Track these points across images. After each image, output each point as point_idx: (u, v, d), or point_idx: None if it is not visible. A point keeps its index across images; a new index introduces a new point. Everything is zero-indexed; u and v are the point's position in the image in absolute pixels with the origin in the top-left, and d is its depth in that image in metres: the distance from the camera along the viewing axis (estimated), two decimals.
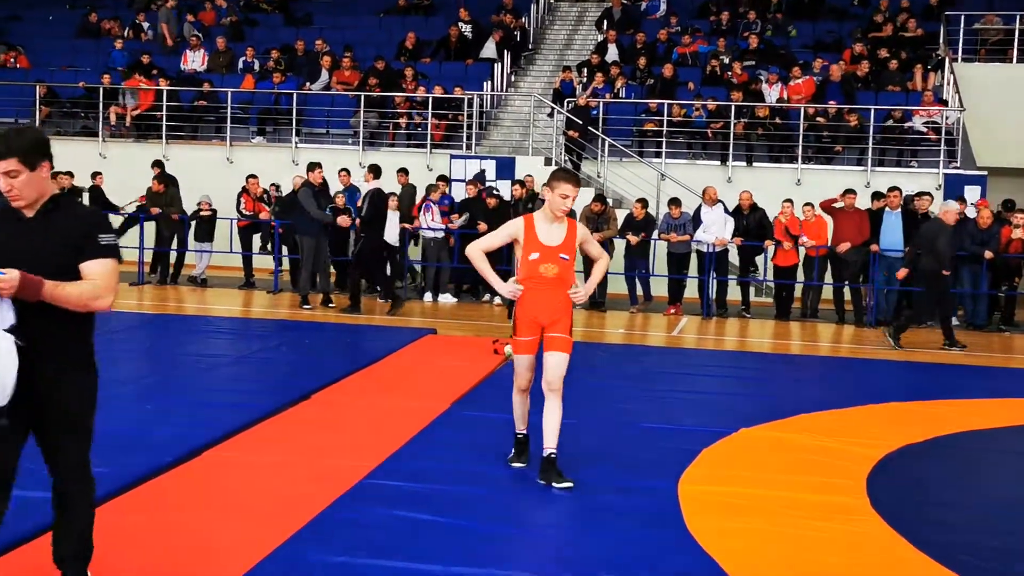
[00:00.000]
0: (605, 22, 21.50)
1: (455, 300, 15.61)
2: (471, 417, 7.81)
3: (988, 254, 14.24)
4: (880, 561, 5.07)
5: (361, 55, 20.45)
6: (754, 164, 17.78)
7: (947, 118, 17.78)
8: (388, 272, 15.01)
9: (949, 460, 7.07)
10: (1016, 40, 20.04)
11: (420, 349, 10.79)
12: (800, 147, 17.54)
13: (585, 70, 19.72)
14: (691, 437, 7.33)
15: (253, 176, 16.56)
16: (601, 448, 7.04)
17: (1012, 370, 11.44)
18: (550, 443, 6.15)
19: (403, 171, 16.48)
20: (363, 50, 20.74)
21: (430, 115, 18.61)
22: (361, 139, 18.84)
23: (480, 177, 16.76)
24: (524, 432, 6.57)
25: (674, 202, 15.31)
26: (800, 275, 15.18)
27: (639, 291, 15.34)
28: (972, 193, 16.46)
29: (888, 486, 6.35)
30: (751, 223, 15.16)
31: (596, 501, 5.86)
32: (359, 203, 14.25)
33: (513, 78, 20.97)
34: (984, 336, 14.00)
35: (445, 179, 16.65)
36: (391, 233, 15.19)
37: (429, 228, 15.61)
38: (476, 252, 6.38)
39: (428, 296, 15.64)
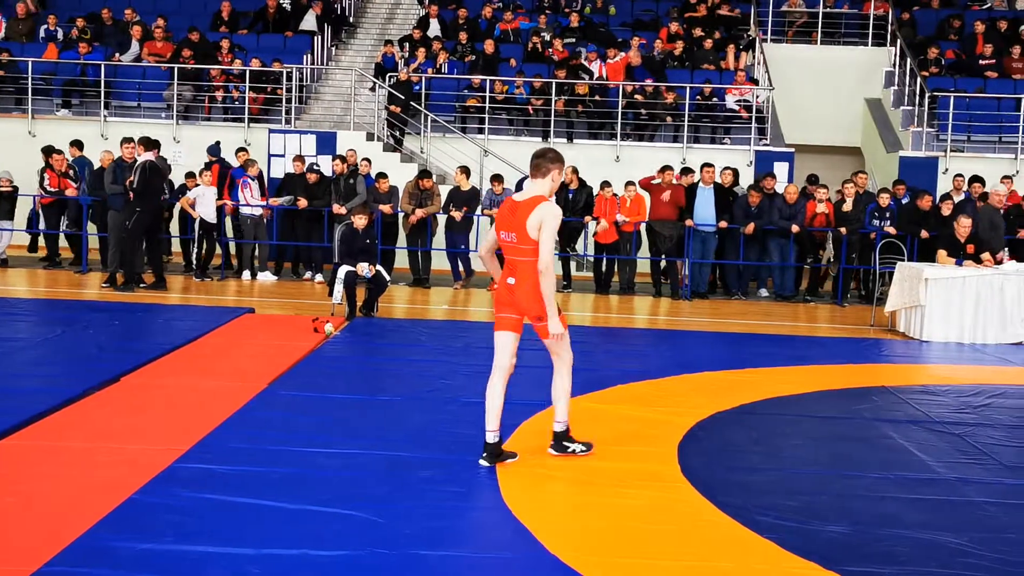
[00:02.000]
0: None
1: (275, 278, 15.29)
2: (289, 397, 7.67)
3: (795, 228, 14.86)
4: (687, 525, 5.23)
5: (174, 25, 19.75)
6: (575, 141, 18.04)
7: (758, 97, 18.44)
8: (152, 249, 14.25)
9: (754, 426, 7.35)
10: (820, 22, 20.97)
11: (237, 328, 10.52)
12: (619, 124, 17.91)
13: (407, 45, 19.59)
14: (512, 410, 7.35)
15: (58, 151, 15.78)
16: (422, 424, 7.03)
17: (815, 339, 11.99)
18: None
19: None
20: (176, 20, 20.05)
21: (247, 89, 18.13)
22: (175, 113, 18.22)
23: (214, 150, 16.17)
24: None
25: (496, 178, 15.39)
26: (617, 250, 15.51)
27: (461, 267, 15.38)
28: (781, 169, 17.14)
29: (697, 453, 6.57)
30: (578, 200, 15.38)
31: (414, 477, 5.85)
32: (130, 177, 13.45)
33: (334, 51, 20.66)
34: (791, 306, 14.63)
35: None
36: (206, 210, 14.75)
37: (247, 205, 15.22)
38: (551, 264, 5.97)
39: (246, 274, 15.27)
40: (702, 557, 4.83)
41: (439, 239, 15.59)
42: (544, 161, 6.01)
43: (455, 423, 7.07)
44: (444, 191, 15.73)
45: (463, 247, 15.36)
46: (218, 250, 15.37)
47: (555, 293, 6.05)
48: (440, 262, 15.67)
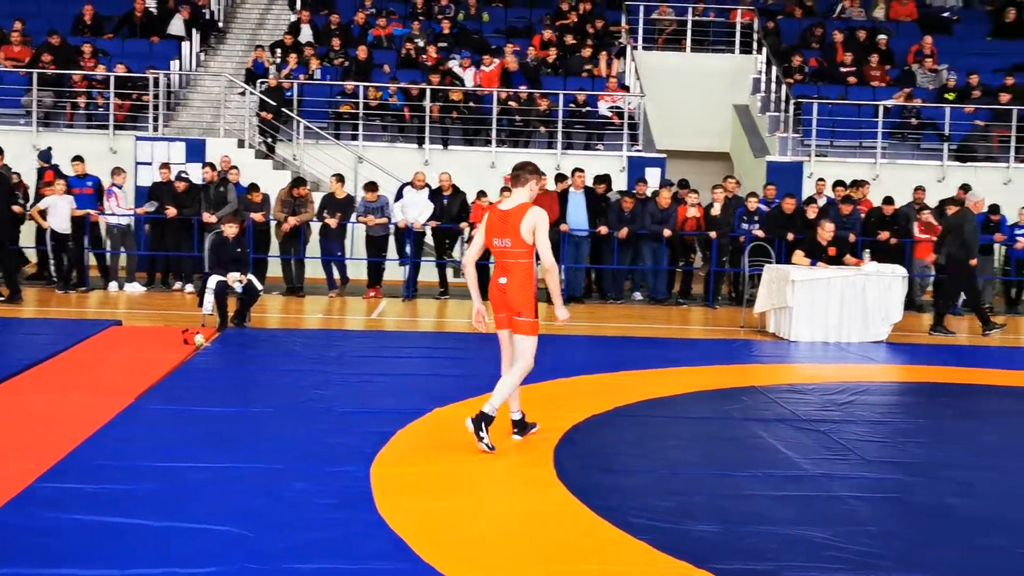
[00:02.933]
0: (298, 2, 21.14)
1: (143, 289, 14.87)
2: (157, 411, 7.46)
3: (667, 232, 15.12)
4: (563, 530, 5.25)
5: (32, 29, 19.05)
6: (450, 147, 18.03)
7: (629, 104, 18.72)
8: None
9: (629, 428, 7.43)
10: (689, 30, 21.42)
11: (102, 341, 10.19)
12: (494, 130, 17.96)
13: (279, 50, 19.29)
14: (386, 419, 7.34)
15: None
16: (296, 436, 6.90)
17: (688, 340, 12.21)
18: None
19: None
20: (35, 24, 19.33)
21: (112, 95, 17.60)
22: (35, 119, 17.58)
23: (45, 155, 15.60)
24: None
25: (370, 186, 15.25)
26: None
27: (336, 275, 15.20)
28: (653, 175, 17.43)
29: (573, 456, 6.61)
30: (452, 207, 15.36)
31: (287, 489, 5.73)
32: None
33: (203, 57, 20.20)
34: (664, 309, 14.87)
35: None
36: (58, 220, 14.22)
37: (113, 214, 14.77)
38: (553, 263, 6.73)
39: (113, 285, 14.81)
40: (577, 561, 4.85)
41: (313, 247, 15.39)
42: (524, 172, 6.68)
43: (329, 434, 6.96)
44: (317, 198, 15.54)
45: (338, 255, 15.19)
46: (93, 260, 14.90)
47: (531, 293, 6.72)
48: (315, 270, 15.45)
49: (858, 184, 16.55)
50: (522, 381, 6.95)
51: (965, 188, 16.15)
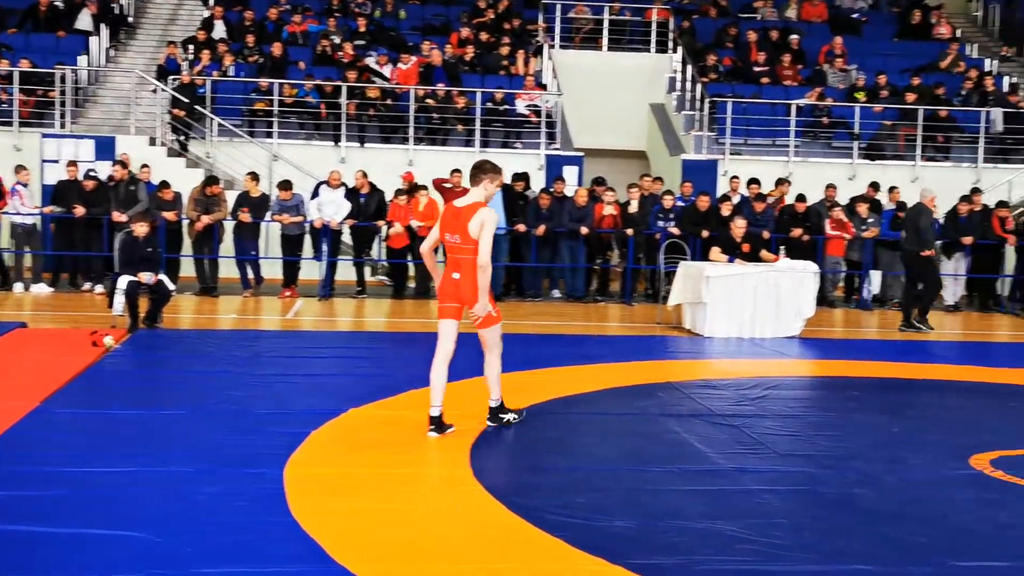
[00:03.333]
0: None
1: (51, 290, 14.50)
2: (64, 415, 7.28)
3: (584, 230, 15.20)
4: (479, 529, 5.24)
5: None
6: (366, 145, 17.91)
7: (547, 102, 18.78)
8: None
9: (545, 426, 7.44)
10: (605, 29, 21.56)
11: (6, 344, 9.91)
12: (411, 128, 17.88)
13: (191, 46, 18.97)
14: (301, 420, 7.25)
15: None
16: (208, 438, 6.79)
17: (605, 337, 12.30)
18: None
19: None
20: None
21: (16, 91, 17.13)
22: None
23: None
24: None
25: (284, 185, 15.07)
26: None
27: (251, 274, 14.99)
28: (570, 173, 17.51)
29: (489, 455, 6.61)
30: (370, 205, 15.25)
31: (198, 493, 5.63)
32: None
33: (112, 52, 19.78)
34: (582, 306, 14.96)
35: None
36: None
37: (18, 214, 14.38)
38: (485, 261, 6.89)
39: (19, 286, 14.42)
40: (494, 559, 4.84)
41: (227, 246, 15.16)
42: (479, 172, 6.96)
43: (242, 436, 6.86)
44: (232, 197, 15.31)
45: (253, 254, 14.98)
46: None
47: (487, 286, 6.96)
48: (229, 270, 15.22)
49: (780, 182, 16.81)
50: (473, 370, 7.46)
51: (873, 187, 16.53)
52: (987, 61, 22.00)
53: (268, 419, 7.33)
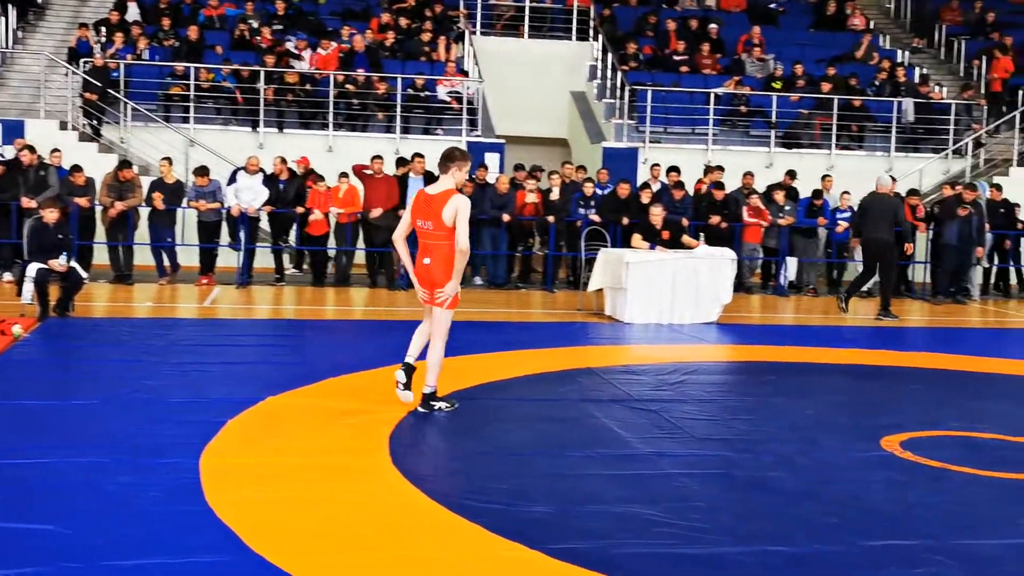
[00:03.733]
0: None
1: None
2: None
3: (506, 217, 15.20)
4: (397, 516, 5.21)
5: None
6: (285, 131, 17.69)
7: (468, 88, 18.73)
8: None
9: (465, 412, 7.43)
10: (527, 16, 21.56)
11: None
12: (331, 114, 17.71)
13: (104, 29, 18.54)
14: (217, 409, 7.14)
15: None
16: (121, 428, 6.65)
17: (526, 324, 12.32)
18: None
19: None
20: None
21: None
22: None
23: None
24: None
25: (200, 171, 14.81)
26: (333, 241, 15.34)
27: (167, 261, 14.73)
28: (492, 160, 17.51)
29: (409, 442, 6.58)
30: (289, 191, 15.07)
31: (111, 483, 5.51)
32: None
33: (20, 34, 19.24)
34: (504, 293, 14.97)
35: None
36: None
37: None
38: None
39: None
40: (411, 547, 4.82)
41: (142, 233, 14.87)
42: (447, 161, 7.15)
43: (157, 425, 6.74)
44: (147, 183, 15.01)
45: (169, 240, 14.72)
46: None
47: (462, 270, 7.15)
48: (144, 257, 14.93)
49: (712, 169, 16.94)
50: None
51: (790, 175, 16.80)
52: (899, 52, 22.47)
53: (184, 408, 7.22)
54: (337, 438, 6.61)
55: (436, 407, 7.36)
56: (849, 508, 5.52)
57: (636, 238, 13.09)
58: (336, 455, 6.23)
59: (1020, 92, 20.06)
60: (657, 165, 16.79)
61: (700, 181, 16.59)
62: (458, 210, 6.98)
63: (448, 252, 7.06)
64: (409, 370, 7.39)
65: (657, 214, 13.11)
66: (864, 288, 14.67)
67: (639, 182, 16.71)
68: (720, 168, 17.02)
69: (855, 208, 16.33)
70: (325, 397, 7.74)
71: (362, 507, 5.32)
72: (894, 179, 14.44)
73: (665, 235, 13.01)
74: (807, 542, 4.98)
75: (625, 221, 14.90)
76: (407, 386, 7.35)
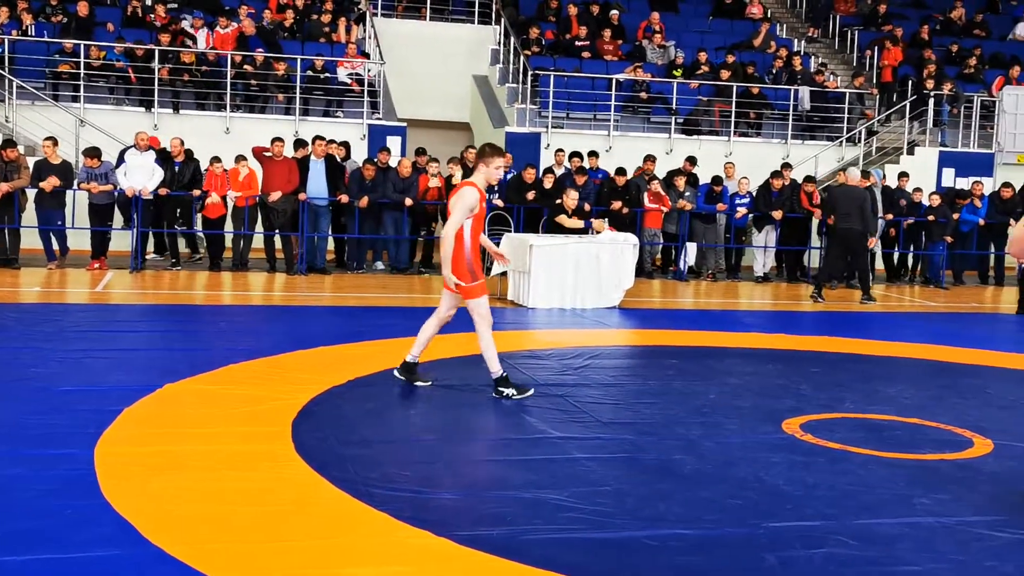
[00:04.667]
0: None
1: None
2: None
3: (408, 201, 15.08)
4: (301, 504, 5.10)
5: None
6: (181, 111, 17.26)
7: (369, 71, 18.51)
8: None
9: (370, 399, 7.34)
10: None
11: None
12: (228, 95, 17.33)
13: None
14: (112, 397, 6.92)
15: None
16: (12, 418, 6.39)
17: (430, 309, 12.17)
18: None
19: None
20: None
21: None
22: None
23: None
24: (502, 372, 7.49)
25: (90, 152, 14.35)
26: (230, 225, 15.03)
27: (56, 245, 14.25)
28: (394, 143, 17.35)
29: (312, 429, 6.45)
30: (185, 173, 14.71)
31: (0, 476, 5.29)
32: None
33: None
34: (407, 278, 14.86)
35: None
36: None
37: None
38: (455, 234, 7.19)
39: None
40: (316, 535, 4.72)
41: (30, 216, 14.36)
42: (477, 157, 7.34)
43: (48, 414, 6.49)
44: (34, 164, 14.50)
45: (59, 223, 14.24)
46: None
47: (462, 261, 7.27)
48: (32, 241, 14.43)
49: (651, 159, 17.03)
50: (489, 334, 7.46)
51: (690, 161, 16.98)
52: (795, 41, 22.91)
53: (76, 397, 6.98)
54: (238, 425, 6.45)
55: (506, 393, 7.40)
56: (752, 490, 5.58)
57: (563, 217, 13.30)
58: (237, 443, 6.08)
59: (910, 81, 20.64)
60: (562, 150, 16.82)
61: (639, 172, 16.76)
62: (457, 199, 7.21)
63: (459, 242, 7.25)
64: (406, 367, 7.78)
65: (572, 199, 13.24)
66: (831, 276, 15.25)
67: (542, 167, 16.73)
68: (652, 159, 17.07)
69: (753, 193, 16.64)
70: (226, 383, 7.56)
71: (265, 496, 5.20)
72: (867, 174, 15.10)
73: (576, 220, 13.15)
74: (712, 525, 5.02)
75: (531, 196, 15.00)
76: (409, 380, 7.75)
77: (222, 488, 5.27)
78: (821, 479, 5.84)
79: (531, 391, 7.52)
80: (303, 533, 4.74)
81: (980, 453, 6.55)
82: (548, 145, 18.47)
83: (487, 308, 7.45)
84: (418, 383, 7.76)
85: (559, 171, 16.15)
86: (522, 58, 19.53)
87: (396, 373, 7.85)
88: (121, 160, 14.53)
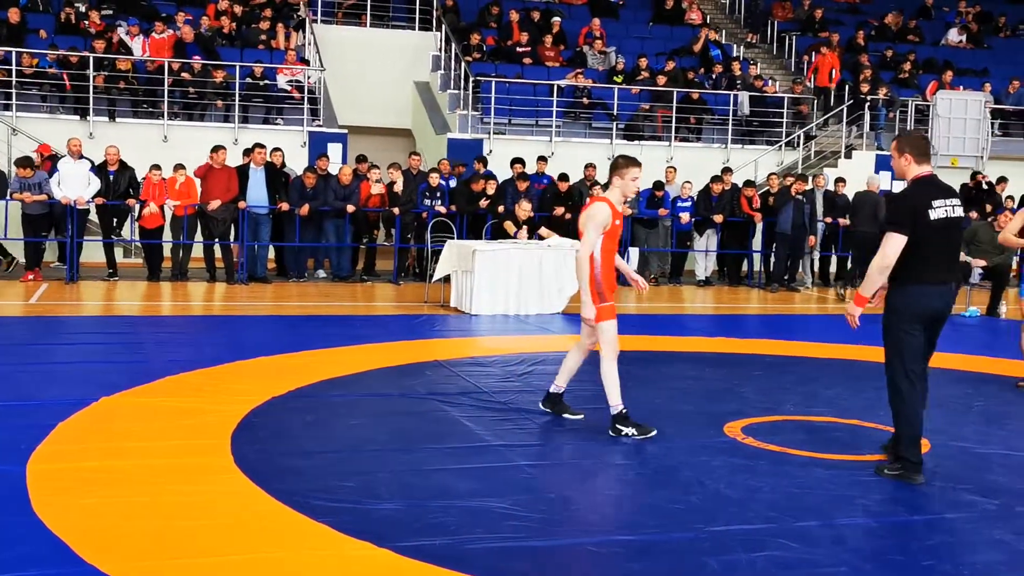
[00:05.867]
0: None
1: None
2: None
3: (350, 208, 14.97)
4: (240, 518, 5.02)
5: None
6: (117, 119, 17.00)
7: (309, 78, 18.37)
8: None
9: (310, 409, 7.25)
10: (369, 5, 21.29)
11: None
12: (166, 103, 17.09)
13: None
14: (46, 412, 6.78)
15: None
16: None
17: (372, 317, 12.16)
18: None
19: None
20: None
21: None
22: None
23: None
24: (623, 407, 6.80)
25: (22, 162, 14.03)
26: (169, 234, 14.82)
27: None
28: (335, 150, 17.22)
29: (251, 441, 6.36)
30: (120, 182, 14.47)
31: None
32: None
33: None
34: (349, 286, 14.75)
35: None
36: None
37: None
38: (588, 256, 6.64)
39: None
40: (255, 549, 4.65)
41: None
42: (611, 170, 6.78)
43: None
44: None
45: None
46: None
47: (590, 282, 6.65)
48: None
49: (592, 166, 17.05)
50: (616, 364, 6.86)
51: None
52: (734, 47, 23.12)
53: (8, 412, 6.82)
54: (176, 438, 6.35)
55: (624, 432, 6.70)
56: (695, 495, 5.60)
57: (509, 224, 13.39)
58: (175, 456, 5.98)
59: (847, 87, 20.93)
60: (522, 161, 16.81)
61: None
62: (588, 219, 6.63)
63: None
64: (551, 398, 7.28)
65: (525, 209, 13.34)
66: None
67: (483, 173, 16.68)
68: (521, 161, 17.06)
69: (695, 198, 16.76)
70: (164, 396, 7.44)
71: (203, 510, 5.11)
72: (805, 177, 15.75)
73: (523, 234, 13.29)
74: (656, 530, 5.02)
75: (484, 204, 15.01)
76: (556, 412, 7.26)
77: (159, 503, 5.18)
78: (763, 482, 5.88)
79: (654, 432, 6.75)
80: (241, 547, 4.67)
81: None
82: (490, 151, 18.46)
83: (615, 334, 6.75)
84: (567, 415, 7.19)
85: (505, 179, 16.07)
86: (463, 64, 19.50)
87: (541, 405, 7.29)
88: (55, 170, 14.24)
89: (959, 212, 5.91)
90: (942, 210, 5.84)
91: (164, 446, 6.16)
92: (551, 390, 7.29)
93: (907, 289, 5.88)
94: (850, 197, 16.69)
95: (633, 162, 6.73)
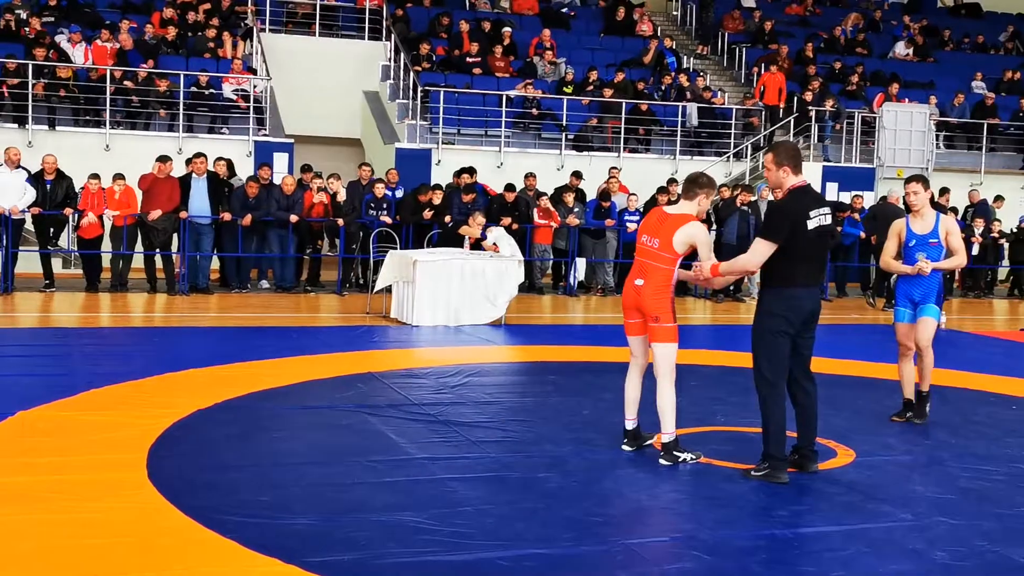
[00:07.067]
0: None
1: None
2: None
3: (293, 218, 14.85)
4: (147, 535, 4.91)
5: None
6: (58, 128, 16.76)
7: (256, 87, 18.23)
8: None
9: (235, 422, 7.14)
10: (318, 14, 21.18)
11: None
12: (108, 111, 16.89)
13: None
14: None
15: None
16: None
17: (310, 328, 12.05)
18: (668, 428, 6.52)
19: None
20: None
21: None
22: None
23: None
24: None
25: None
26: (108, 245, 14.61)
27: None
28: (281, 160, 17.10)
29: (170, 455, 6.25)
30: (57, 192, 14.24)
31: None
32: None
33: None
34: (292, 297, 14.62)
35: None
36: None
37: None
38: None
39: None
40: (159, 567, 4.55)
41: None
42: (694, 186, 6.55)
43: None
44: None
45: None
46: None
47: (670, 295, 6.52)
48: None
49: (532, 176, 17.03)
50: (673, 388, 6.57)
51: (576, 176, 17.08)
52: (685, 58, 23.22)
53: None
54: (92, 453, 6.22)
55: (681, 458, 6.46)
56: (614, 506, 5.57)
57: (466, 228, 13.53)
58: (90, 471, 5.86)
59: (795, 98, 21.08)
60: (473, 171, 16.74)
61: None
62: (697, 241, 6.38)
63: (666, 277, 6.40)
64: (634, 437, 6.79)
65: (479, 222, 13.40)
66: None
67: (432, 184, 16.62)
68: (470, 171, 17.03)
69: (642, 209, 16.80)
70: (84, 409, 7.29)
71: (111, 527, 5.00)
72: (751, 188, 16.20)
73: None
74: (570, 543, 4.97)
75: (428, 215, 14.95)
76: (639, 446, 6.78)
77: (65, 520, 5.06)
78: (684, 493, 5.85)
79: (700, 455, 6.57)
80: (145, 566, 4.57)
81: (842, 463, 6.65)
82: (439, 161, 18.40)
83: (675, 358, 6.56)
84: (647, 443, 6.81)
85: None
86: (412, 74, 19.43)
87: (625, 447, 6.78)
88: None
89: (829, 220, 6.20)
90: (817, 219, 6.13)
91: (77, 462, 6.03)
92: (627, 427, 6.82)
93: (781, 291, 6.19)
94: None
95: (714, 184, 6.75)
